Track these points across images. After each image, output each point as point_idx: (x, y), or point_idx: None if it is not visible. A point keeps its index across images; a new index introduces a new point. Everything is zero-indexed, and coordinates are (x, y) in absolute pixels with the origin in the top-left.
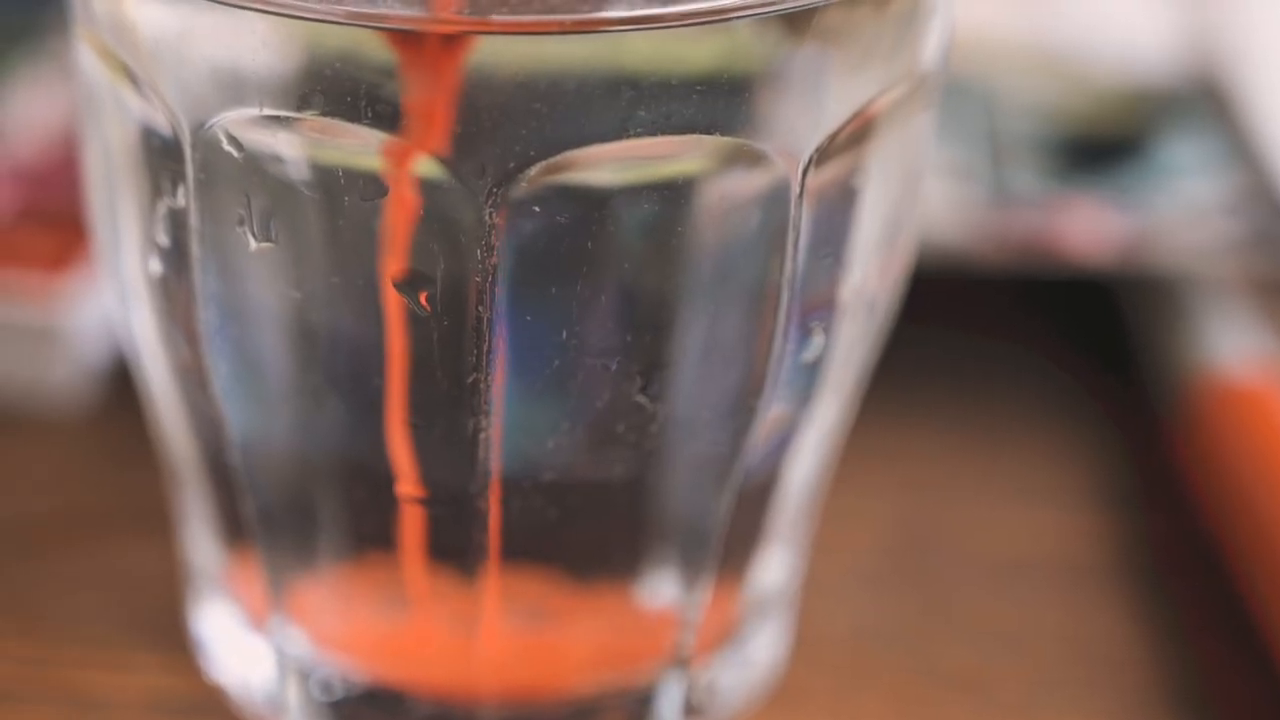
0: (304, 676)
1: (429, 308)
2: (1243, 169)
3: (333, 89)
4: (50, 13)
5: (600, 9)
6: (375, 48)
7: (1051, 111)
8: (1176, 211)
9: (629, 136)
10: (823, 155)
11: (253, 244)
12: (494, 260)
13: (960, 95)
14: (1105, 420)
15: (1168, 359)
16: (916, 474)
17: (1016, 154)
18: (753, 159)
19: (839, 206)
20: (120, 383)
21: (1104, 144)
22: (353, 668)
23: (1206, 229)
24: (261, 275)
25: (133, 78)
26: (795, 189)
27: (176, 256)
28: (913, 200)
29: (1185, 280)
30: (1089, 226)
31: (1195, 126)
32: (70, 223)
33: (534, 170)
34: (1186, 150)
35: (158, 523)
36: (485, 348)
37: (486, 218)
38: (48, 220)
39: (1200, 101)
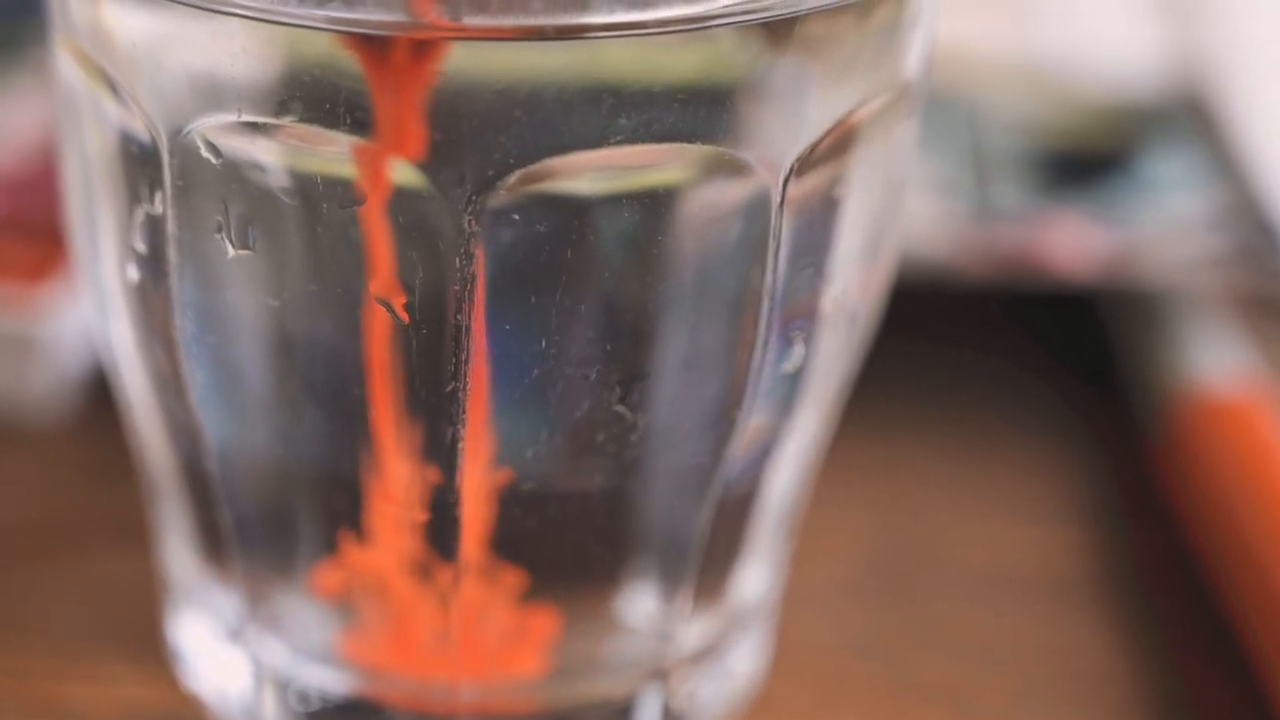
0: (281, 687)
1: (407, 316)
2: (1226, 184)
3: (311, 95)
4: (30, 23)
5: (581, 16)
6: (354, 54)
7: (1035, 126)
8: (1160, 226)
9: (610, 145)
10: (804, 165)
11: (231, 251)
12: (473, 269)
13: (944, 110)
14: (1088, 434)
15: (1151, 374)
16: (899, 487)
17: (1000, 168)
18: (734, 168)
19: (820, 216)
20: (99, 393)
21: (1088, 159)
22: (330, 679)
23: (1190, 244)
24: (239, 283)
25: (111, 84)
26: (776, 198)
27: (154, 264)
28: (895, 211)
29: (1169, 295)
30: (1073, 241)
31: (1179, 141)
32: (50, 233)
33: (513, 178)
34: (1170, 165)
35: (135, 534)
36: (464, 357)
37: (465, 226)
38: (27, 230)
39: (1184, 116)
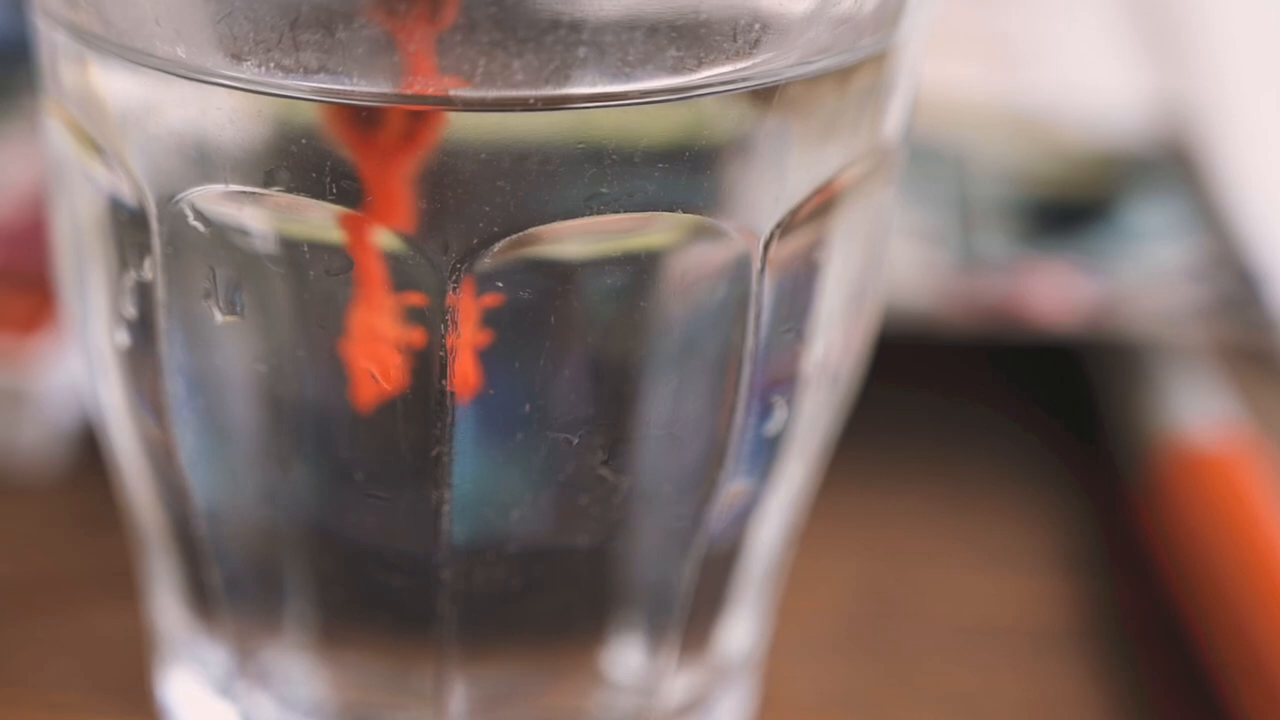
0: None
1: (393, 382)
2: (1209, 234)
3: (298, 165)
4: (23, 73)
5: (565, 87)
6: (340, 125)
7: (1020, 175)
8: (1143, 276)
9: (592, 213)
10: (785, 230)
11: (219, 317)
12: (457, 334)
13: (930, 159)
14: (1071, 485)
15: (1133, 424)
16: (882, 538)
17: (985, 218)
18: (715, 234)
19: (801, 280)
20: (90, 446)
21: (1072, 208)
22: None
23: (1173, 294)
24: (228, 348)
25: (100, 151)
26: (757, 263)
27: (143, 329)
28: (876, 273)
29: (1151, 345)
30: (1056, 291)
31: (1163, 191)
32: (42, 285)
33: (497, 246)
34: (1154, 215)
35: (126, 587)
36: (449, 421)
37: (450, 293)
38: (19, 282)
39: (1168, 166)
